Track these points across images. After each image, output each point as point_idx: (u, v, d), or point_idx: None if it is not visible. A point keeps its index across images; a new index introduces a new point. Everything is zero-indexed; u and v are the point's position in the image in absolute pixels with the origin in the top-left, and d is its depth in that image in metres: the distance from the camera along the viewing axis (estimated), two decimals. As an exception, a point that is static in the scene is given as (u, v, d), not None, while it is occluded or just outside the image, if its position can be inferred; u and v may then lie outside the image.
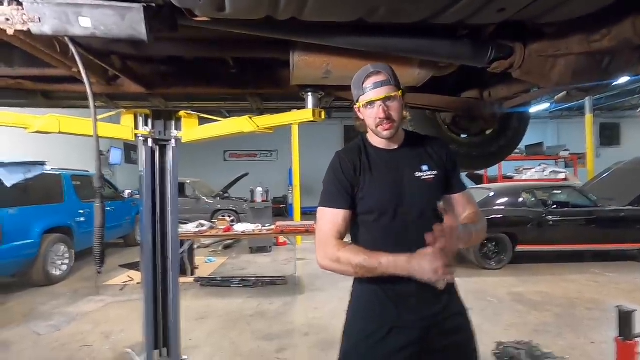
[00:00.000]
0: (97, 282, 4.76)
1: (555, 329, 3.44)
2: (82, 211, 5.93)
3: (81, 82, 1.20)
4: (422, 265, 1.06)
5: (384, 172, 1.22)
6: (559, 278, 5.13)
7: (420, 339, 1.17)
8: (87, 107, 1.24)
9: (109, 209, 6.77)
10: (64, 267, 5.40)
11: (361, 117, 1.23)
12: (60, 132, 1.64)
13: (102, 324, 3.74)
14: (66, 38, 1.06)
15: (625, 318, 2.50)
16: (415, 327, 1.17)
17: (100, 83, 1.62)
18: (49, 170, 5.65)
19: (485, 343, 3.00)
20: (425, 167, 1.22)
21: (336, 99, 1.92)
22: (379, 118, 1.16)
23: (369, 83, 1.16)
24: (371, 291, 1.19)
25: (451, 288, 1.22)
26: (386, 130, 1.18)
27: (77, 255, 5.74)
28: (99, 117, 1.83)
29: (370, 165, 1.22)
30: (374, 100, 1.16)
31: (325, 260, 1.16)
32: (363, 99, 1.18)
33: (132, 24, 0.94)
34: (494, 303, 4.20)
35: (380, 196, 1.19)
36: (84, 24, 0.93)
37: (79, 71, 1.18)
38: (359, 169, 1.21)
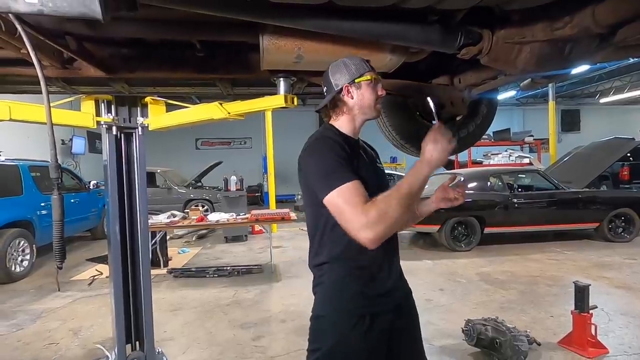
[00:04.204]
0: (59, 278, 4.55)
1: (519, 305, 3.65)
2: (43, 204, 5.61)
3: (33, 65, 1.10)
4: (436, 146, 1.08)
5: (362, 159, 1.24)
6: (523, 257, 5.43)
7: (393, 320, 1.21)
8: (41, 92, 1.15)
9: (73, 201, 6.52)
10: (25, 263, 5.13)
11: (350, 97, 1.23)
12: (11, 120, 1.52)
13: (70, 320, 3.60)
14: (11, 15, 0.96)
15: (580, 292, 2.70)
16: (390, 309, 1.21)
17: (55, 66, 1.50)
18: (4, 161, 5.32)
19: (456, 321, 3.15)
20: (378, 160, 1.35)
21: (309, 84, 1.89)
22: (381, 95, 1.23)
23: (369, 64, 1.23)
24: (348, 278, 1.16)
25: (399, 267, 1.28)
26: (380, 110, 1.26)
27: (40, 250, 5.46)
28: (56, 103, 1.71)
29: (353, 151, 1.21)
30: (377, 79, 1.23)
31: (370, 230, 0.98)
32: (370, 74, 1.22)
33: (85, 0, 0.86)
34: (463, 283, 4.39)
35: (369, 180, 1.14)
36: (30, 0, 0.85)
37: (28, 53, 1.09)
38: (349, 152, 1.17)
